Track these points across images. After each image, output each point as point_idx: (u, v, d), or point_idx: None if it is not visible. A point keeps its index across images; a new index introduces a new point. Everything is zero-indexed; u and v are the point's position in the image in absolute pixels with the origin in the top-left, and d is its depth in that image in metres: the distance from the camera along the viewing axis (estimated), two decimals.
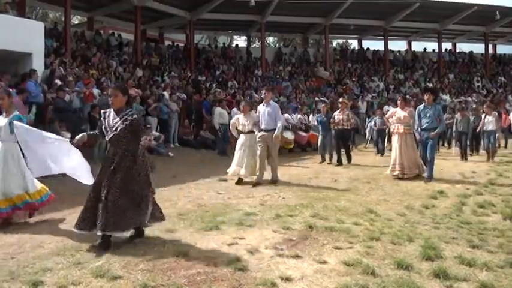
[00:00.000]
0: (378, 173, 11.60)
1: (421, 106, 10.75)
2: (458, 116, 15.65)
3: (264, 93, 10.88)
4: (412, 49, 36.09)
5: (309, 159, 15.43)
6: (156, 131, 16.25)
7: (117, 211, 5.30)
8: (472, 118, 15.95)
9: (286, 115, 18.15)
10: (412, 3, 27.45)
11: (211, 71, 25.76)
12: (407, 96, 16.90)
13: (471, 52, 36.00)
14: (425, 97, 10.72)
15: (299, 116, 19.32)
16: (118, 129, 5.57)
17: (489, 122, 14.68)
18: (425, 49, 35.00)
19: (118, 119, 5.63)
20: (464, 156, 14.73)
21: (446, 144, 18.75)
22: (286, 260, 4.94)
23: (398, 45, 38.86)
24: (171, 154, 15.29)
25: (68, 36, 19.72)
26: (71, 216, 7.16)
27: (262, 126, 10.35)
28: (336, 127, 14.04)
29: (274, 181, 10.33)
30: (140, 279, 4.37)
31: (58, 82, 14.64)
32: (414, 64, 33.27)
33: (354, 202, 8.02)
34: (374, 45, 38.10)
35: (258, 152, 10.29)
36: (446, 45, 35.38)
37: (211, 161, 14.68)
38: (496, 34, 34.00)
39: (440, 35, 32.08)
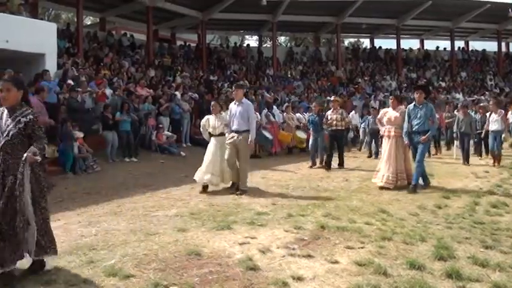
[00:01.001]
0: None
1: (411, 106, 9.61)
2: (459, 114, 14.31)
3: (234, 91, 9.74)
4: (425, 47, 35.85)
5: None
6: (168, 130, 16.32)
7: None
8: (478, 117, 14.83)
9: (298, 114, 18.19)
10: (424, 1, 27.25)
11: (223, 71, 25.79)
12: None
13: (484, 50, 35.66)
14: (416, 95, 9.63)
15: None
16: (10, 134, 4.41)
17: (494, 121, 13.25)
18: (437, 47, 34.76)
19: (10, 120, 4.46)
20: (466, 160, 13.43)
21: (441, 146, 17.11)
22: (298, 259, 4.94)
23: (410, 44, 38.45)
24: (182, 154, 15.35)
25: (81, 36, 19.83)
26: (84, 215, 7.23)
27: (233, 127, 9.22)
28: (329, 127, 13.12)
29: (242, 191, 8.94)
30: (152, 278, 4.40)
31: (71, 82, 14.73)
32: (426, 63, 33.05)
33: (365, 202, 8.00)
34: (386, 43, 37.94)
35: (226, 156, 9.20)
36: (459, 44, 35.13)
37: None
38: (509, 32, 33.63)
39: (453, 33, 31.85)
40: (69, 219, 7.03)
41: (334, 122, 13.00)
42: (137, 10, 24.43)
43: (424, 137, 9.20)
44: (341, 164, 13.18)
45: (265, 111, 17.98)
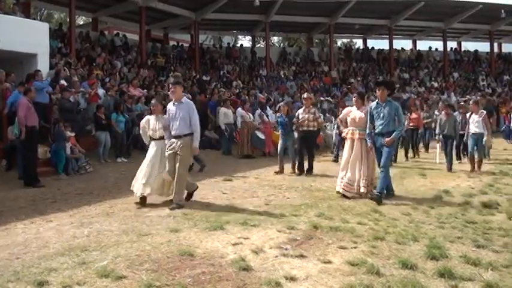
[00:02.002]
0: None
1: (373, 104, 8.52)
2: (442, 115, 12.92)
3: (172, 89, 8.10)
4: (417, 48, 35.96)
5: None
6: None
7: None
8: (459, 118, 13.24)
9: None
10: (416, 2, 27.35)
11: (216, 71, 25.78)
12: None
13: (476, 51, 35.82)
14: (378, 92, 8.51)
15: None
16: None
17: (474, 122, 11.82)
18: (430, 48, 34.88)
19: None
20: (451, 166, 12.13)
21: (419, 149, 15.87)
22: (291, 259, 4.94)
23: (403, 44, 38.54)
24: None
25: (73, 36, 19.75)
26: (76, 216, 7.20)
27: (173, 132, 7.84)
28: (300, 128, 11.88)
29: (177, 205, 7.57)
30: (145, 279, 4.38)
31: (63, 83, 14.67)
32: (419, 63, 33.16)
33: (358, 202, 8.01)
34: (379, 44, 38.04)
35: (166, 168, 7.87)
36: (451, 44, 35.31)
37: (216, 160, 14.67)
38: (501, 32, 33.81)
39: (445, 34, 31.98)
40: (61, 220, 7.00)
41: (306, 122, 11.70)
42: (130, 10, 24.36)
43: (388, 139, 8.10)
44: (309, 170, 11.80)
45: (258, 111, 17.97)
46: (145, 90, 17.49)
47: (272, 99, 21.95)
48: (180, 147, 7.73)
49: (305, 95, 12.76)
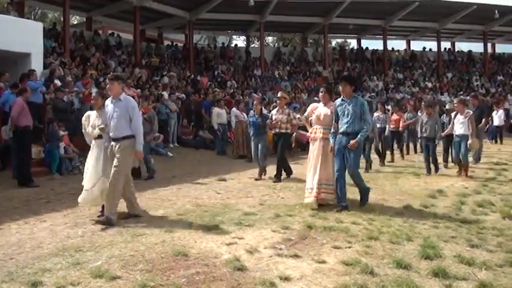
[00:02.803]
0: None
1: (338, 100, 7.64)
2: (423, 116, 11.87)
3: (108, 84, 7.16)
4: (411, 48, 36.06)
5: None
6: None
7: None
8: (446, 118, 12.64)
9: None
10: (411, 2, 27.48)
11: (211, 71, 25.77)
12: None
13: (470, 51, 36.01)
14: (340, 88, 7.61)
15: (298, 115, 19.21)
16: None
17: (460, 123, 10.87)
18: (424, 48, 34.99)
19: None
20: (429, 171, 11.33)
21: (403, 151, 15.17)
22: (285, 259, 4.94)
23: (397, 45, 38.65)
24: (170, 154, 15.29)
25: (67, 36, 19.70)
26: (70, 217, 7.18)
27: (111, 133, 6.87)
28: (273, 130, 10.98)
29: (105, 220, 6.55)
30: (139, 279, 4.37)
31: (57, 82, 14.63)
32: (413, 63, 33.26)
33: (352, 202, 8.00)
34: (373, 44, 38.10)
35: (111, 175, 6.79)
36: (445, 45, 35.47)
37: (211, 160, 14.67)
38: (494, 33, 34.00)
39: (439, 34, 32.12)
40: (55, 220, 6.98)
41: (279, 124, 10.74)
42: (124, 10, 24.34)
43: (353, 141, 7.24)
44: (276, 176, 10.68)
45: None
46: (139, 90, 17.44)
47: (267, 99, 21.96)
48: (118, 151, 6.76)
49: (279, 94, 11.65)
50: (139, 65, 21.87)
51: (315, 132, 7.91)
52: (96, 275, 4.46)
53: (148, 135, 10.67)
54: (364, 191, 7.71)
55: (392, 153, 14.27)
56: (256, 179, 10.82)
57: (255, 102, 12.52)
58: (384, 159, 13.59)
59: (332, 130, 7.58)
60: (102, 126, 6.93)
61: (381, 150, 13.59)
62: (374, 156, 13.05)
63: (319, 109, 8.00)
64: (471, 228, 6.19)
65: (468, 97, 15.25)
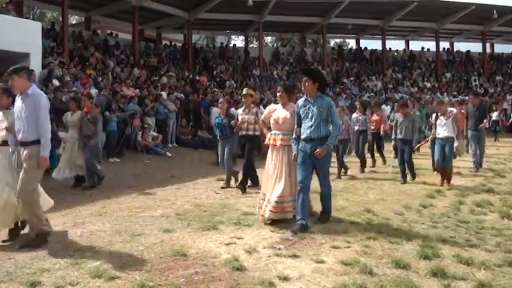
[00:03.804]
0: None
1: (301, 100, 6.54)
2: (398, 116, 10.62)
3: (10, 78, 6.11)
4: (410, 48, 36.07)
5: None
6: (154, 131, 16.26)
7: None
8: (418, 117, 11.71)
9: None
10: (409, 2, 27.45)
11: (210, 71, 25.77)
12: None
13: (468, 51, 36.00)
14: (302, 84, 6.51)
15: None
16: None
17: (442, 125, 9.78)
18: (422, 48, 35.00)
19: None
20: (405, 177, 10.17)
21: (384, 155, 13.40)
22: (284, 259, 4.94)
23: (396, 45, 38.63)
24: (169, 154, 15.31)
25: (66, 36, 19.67)
26: (68, 216, 7.17)
27: (18, 136, 5.77)
28: (239, 132, 9.60)
29: (36, 238, 5.63)
30: (138, 279, 4.37)
31: (56, 82, 14.62)
32: (412, 63, 33.28)
33: (351, 201, 8.02)
34: (372, 44, 38.10)
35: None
36: (444, 45, 35.46)
37: (209, 160, 14.64)
38: (493, 33, 34.00)
39: (438, 34, 32.12)
40: (54, 220, 6.94)
41: (245, 125, 9.32)
42: (123, 9, 24.29)
43: (319, 150, 6.17)
44: (241, 184, 9.25)
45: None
46: (137, 90, 17.46)
47: (265, 99, 21.95)
48: (26, 159, 5.67)
49: (244, 91, 9.89)
50: (138, 64, 21.86)
51: (274, 138, 6.76)
52: (94, 275, 4.46)
53: (92, 139, 10.15)
54: (327, 209, 6.64)
55: (373, 158, 13.06)
56: (222, 187, 9.64)
57: (220, 100, 10.71)
58: (363, 165, 12.21)
59: (294, 135, 6.50)
60: (8, 126, 5.96)
61: (359, 154, 12.37)
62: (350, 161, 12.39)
63: (277, 112, 6.91)
64: (470, 228, 6.21)
65: (467, 97, 14.91)
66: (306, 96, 6.45)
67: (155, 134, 16.07)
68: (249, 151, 9.44)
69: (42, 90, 13.19)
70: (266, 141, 7.01)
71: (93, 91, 15.36)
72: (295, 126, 6.50)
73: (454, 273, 4.49)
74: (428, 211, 7.33)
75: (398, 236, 5.71)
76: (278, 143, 6.69)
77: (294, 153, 6.44)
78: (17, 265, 4.83)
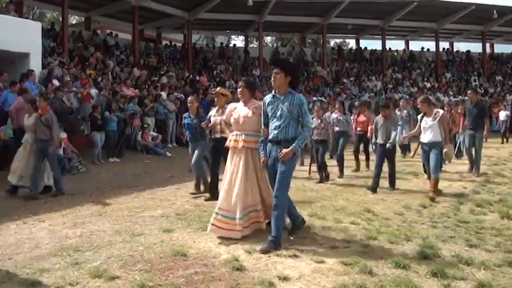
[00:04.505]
0: None
1: (268, 97, 5.73)
2: (378, 118, 9.77)
3: None
4: (410, 48, 36.06)
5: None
6: (154, 131, 16.27)
7: None
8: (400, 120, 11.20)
9: None
10: (409, 2, 27.45)
11: (209, 71, 25.76)
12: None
13: (468, 51, 36.01)
14: (272, 77, 5.65)
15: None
16: None
17: (427, 126, 8.63)
18: (422, 48, 34.98)
19: None
20: (374, 187, 9.04)
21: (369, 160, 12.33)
22: (284, 259, 4.94)
23: (396, 45, 38.62)
24: (168, 154, 15.32)
25: (66, 36, 19.66)
26: (68, 216, 7.18)
27: None
28: (213, 135, 8.60)
29: None
30: (138, 279, 4.37)
31: (56, 82, 14.63)
32: (412, 63, 33.27)
33: (351, 202, 8.02)
34: (372, 44, 38.09)
35: None
36: (444, 45, 35.46)
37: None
38: (493, 33, 34.01)
39: (438, 34, 32.12)
40: (53, 220, 6.97)
41: (218, 127, 8.27)
42: (123, 9, 24.29)
43: (285, 151, 5.37)
44: (211, 192, 8.40)
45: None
46: (137, 90, 17.47)
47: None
48: None
49: (217, 89, 8.91)
50: (138, 65, 21.86)
51: (235, 140, 5.97)
52: (94, 275, 4.46)
53: (50, 146, 9.17)
54: (279, 224, 5.46)
55: (357, 161, 12.26)
56: (191, 193, 8.96)
57: (189, 99, 9.60)
58: (341, 170, 11.34)
59: (261, 137, 5.75)
60: None
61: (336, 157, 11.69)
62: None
63: (238, 110, 6.12)
64: (470, 228, 6.20)
65: (467, 97, 14.62)
66: (275, 92, 5.65)
67: (155, 134, 16.08)
68: (219, 155, 8.29)
69: (42, 90, 13.41)
70: (227, 143, 6.14)
71: (93, 91, 15.39)
72: (262, 126, 5.72)
73: (454, 274, 4.48)
74: (428, 211, 7.33)
75: (398, 236, 5.71)
76: (239, 144, 5.88)
77: (262, 158, 5.68)
78: (16, 265, 4.83)
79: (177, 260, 4.88)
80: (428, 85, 30.02)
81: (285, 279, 4.39)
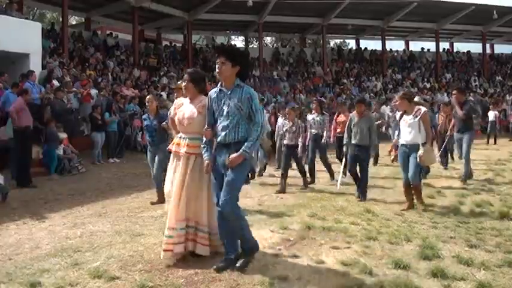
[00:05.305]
0: None
1: (213, 91, 4.87)
2: (352, 115, 8.76)
3: None
4: (410, 49, 36.07)
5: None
6: None
7: None
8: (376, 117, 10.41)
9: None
10: (409, 2, 27.46)
11: (209, 72, 25.75)
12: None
13: (468, 52, 36.01)
14: (217, 68, 4.77)
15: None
16: None
17: (407, 125, 7.47)
18: (422, 48, 34.98)
19: None
20: (362, 195, 8.25)
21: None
22: (284, 260, 4.94)
23: (396, 45, 38.65)
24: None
25: (66, 36, 19.67)
26: (68, 217, 7.18)
27: None
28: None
29: None
30: (138, 279, 4.36)
31: (56, 83, 14.63)
32: (412, 64, 33.27)
33: (351, 202, 8.02)
34: (372, 45, 38.09)
35: None
36: (444, 45, 35.49)
37: None
38: (493, 34, 34.03)
39: (438, 35, 32.11)
40: (53, 220, 6.97)
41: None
42: (123, 10, 24.34)
43: (234, 156, 4.52)
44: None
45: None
46: (137, 91, 17.48)
47: (265, 100, 21.95)
48: None
49: (178, 83, 7.96)
50: (138, 65, 21.87)
51: (178, 143, 5.08)
52: (94, 276, 4.46)
53: None
54: (245, 243, 4.76)
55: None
56: (152, 203, 8.10)
57: (148, 98, 8.65)
58: (313, 177, 10.37)
59: (205, 139, 4.82)
60: None
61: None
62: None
63: (183, 108, 5.16)
64: (470, 229, 6.20)
65: (470, 97, 14.24)
66: (221, 85, 4.81)
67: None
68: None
69: (42, 90, 13.42)
70: (169, 146, 5.31)
71: (93, 91, 15.40)
72: (206, 127, 4.83)
73: (454, 274, 4.48)
74: (429, 211, 7.32)
75: (398, 237, 5.71)
76: (182, 150, 4.96)
77: (206, 162, 4.74)
78: (17, 266, 4.83)
79: (177, 260, 4.87)
80: (428, 85, 30.02)
81: (284, 279, 4.38)
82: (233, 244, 4.68)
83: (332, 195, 8.77)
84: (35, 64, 14.78)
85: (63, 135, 12.48)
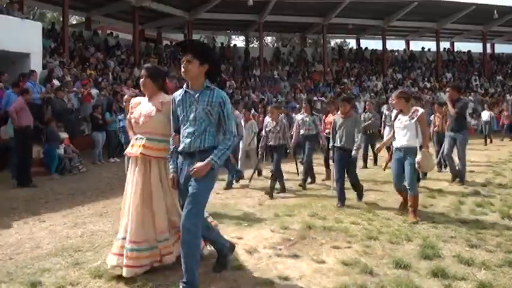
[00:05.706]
0: None
1: (179, 93, 4.36)
2: (337, 116, 8.04)
3: None
4: (410, 48, 36.06)
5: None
6: None
7: None
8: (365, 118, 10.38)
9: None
10: (410, 2, 27.45)
11: None
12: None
13: (469, 51, 36.00)
14: (182, 67, 4.21)
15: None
16: None
17: (402, 126, 6.88)
18: (423, 48, 34.97)
19: None
20: (342, 200, 7.66)
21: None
22: (285, 259, 4.94)
23: (396, 45, 38.64)
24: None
25: (66, 36, 19.67)
26: (69, 217, 7.18)
27: None
28: None
29: None
30: (138, 279, 4.36)
31: (56, 83, 14.63)
32: (412, 63, 33.26)
33: (351, 201, 8.00)
34: (372, 44, 38.07)
35: None
36: (444, 45, 35.49)
37: None
38: (494, 33, 34.02)
39: (438, 34, 32.10)
40: (54, 220, 6.97)
41: None
42: (123, 10, 24.34)
43: (199, 165, 4.00)
44: None
45: (252, 111, 17.96)
46: (137, 90, 17.47)
47: (266, 100, 21.96)
48: None
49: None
50: (139, 65, 21.87)
51: (132, 144, 4.71)
52: (95, 275, 4.46)
53: None
54: (221, 248, 4.61)
55: (328, 168, 10.66)
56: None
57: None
58: (313, 178, 10.36)
59: (171, 145, 4.35)
60: None
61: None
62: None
63: (139, 106, 4.78)
64: (470, 229, 6.19)
65: (470, 97, 14.33)
66: (187, 86, 4.30)
67: None
68: None
69: (42, 90, 13.43)
70: (126, 150, 4.85)
71: (94, 91, 15.40)
72: (172, 132, 4.34)
73: (454, 274, 4.48)
74: (429, 211, 7.32)
75: (398, 236, 5.71)
76: (138, 151, 4.55)
77: (171, 175, 4.30)
78: (17, 265, 4.83)
79: (177, 260, 4.87)
80: (429, 85, 30.02)
81: (285, 279, 4.38)
82: (187, 269, 3.98)
83: (332, 195, 8.76)
84: (36, 64, 14.79)
85: (63, 135, 12.47)
